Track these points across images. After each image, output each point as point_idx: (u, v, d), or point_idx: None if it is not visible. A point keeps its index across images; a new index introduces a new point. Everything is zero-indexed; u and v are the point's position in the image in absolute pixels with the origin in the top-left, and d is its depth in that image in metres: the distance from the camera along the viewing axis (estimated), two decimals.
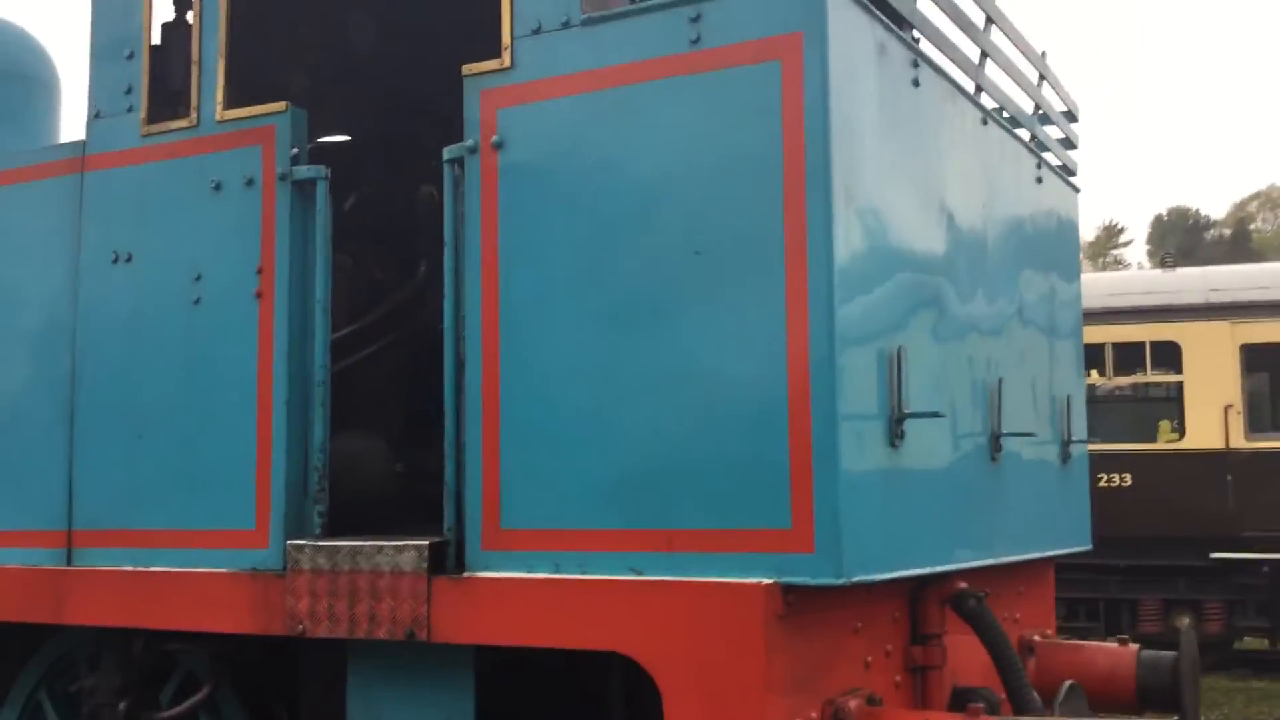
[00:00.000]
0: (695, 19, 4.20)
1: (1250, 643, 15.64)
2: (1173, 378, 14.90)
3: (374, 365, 5.83)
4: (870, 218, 4.25)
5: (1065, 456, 6.26)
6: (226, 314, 5.03)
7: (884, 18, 4.46)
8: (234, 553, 4.92)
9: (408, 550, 4.49)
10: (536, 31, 4.50)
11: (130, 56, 5.39)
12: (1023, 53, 5.91)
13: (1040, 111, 6.29)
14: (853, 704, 4.15)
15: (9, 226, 5.67)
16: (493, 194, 4.52)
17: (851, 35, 4.17)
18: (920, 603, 4.79)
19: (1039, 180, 6.13)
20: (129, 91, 5.38)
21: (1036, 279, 6.06)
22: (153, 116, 5.33)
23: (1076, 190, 6.85)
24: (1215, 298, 14.77)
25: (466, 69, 4.62)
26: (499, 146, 4.52)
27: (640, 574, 4.13)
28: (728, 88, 4.14)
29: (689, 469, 4.09)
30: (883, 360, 4.24)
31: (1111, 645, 5.96)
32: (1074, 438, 6.34)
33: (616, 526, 4.20)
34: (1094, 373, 14.90)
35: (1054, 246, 6.37)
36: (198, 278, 5.11)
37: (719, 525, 4.04)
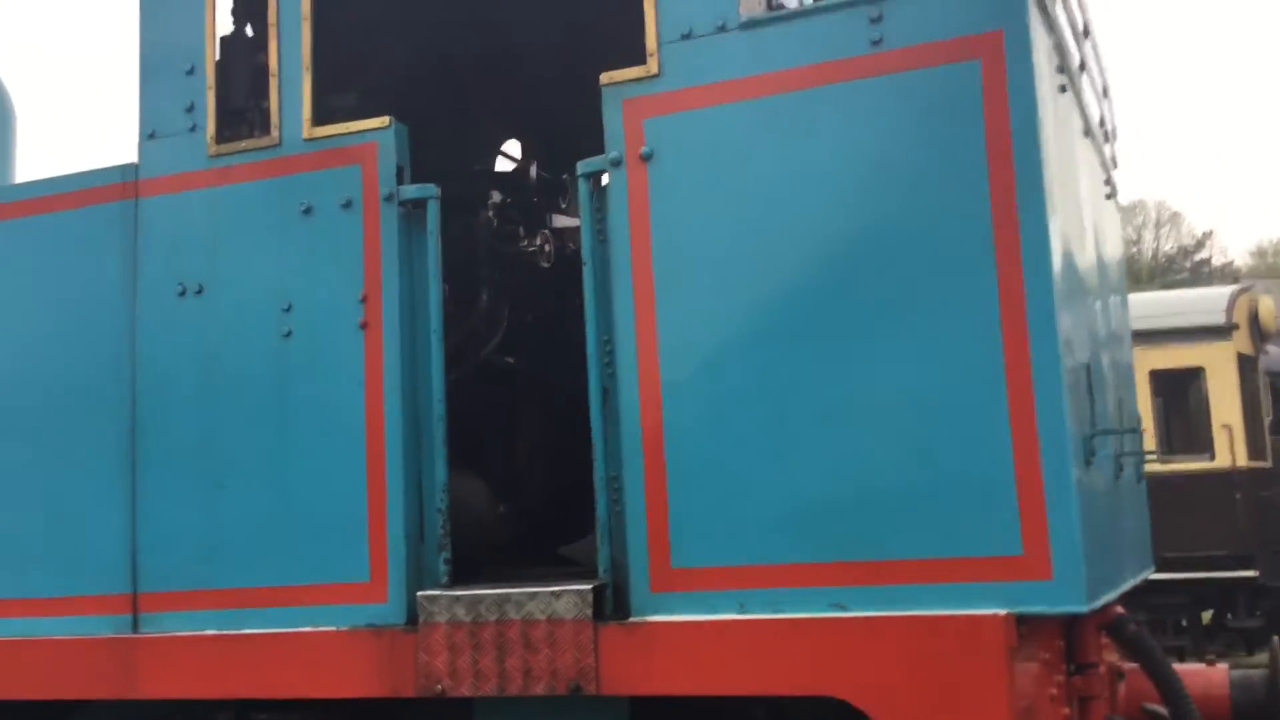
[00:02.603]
0: (876, 19, 3.86)
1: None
2: None
3: (460, 399, 5.30)
4: (1061, 225, 3.95)
5: (1139, 476, 6.07)
6: (325, 347, 4.48)
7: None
8: (344, 608, 4.35)
9: (566, 596, 4.00)
10: (687, 36, 4.11)
11: (191, 71, 4.81)
12: (1100, 66, 5.74)
13: (1104, 127, 6.13)
14: None
15: (46, 260, 5.00)
16: (643, 208, 4.10)
17: (1037, 34, 3.89)
18: (1079, 630, 4.49)
19: (1108, 196, 5.95)
20: (191, 109, 4.80)
21: (1112, 297, 5.87)
22: (222, 136, 4.76)
23: (1119, 210, 6.72)
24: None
25: (606, 77, 4.20)
26: (648, 158, 4.10)
27: (845, 610, 3.73)
28: (917, 90, 3.82)
29: (896, 495, 3.72)
30: (1078, 374, 3.95)
31: (1200, 666, 5.75)
32: (1145, 456, 6.16)
33: (813, 560, 3.79)
34: None
35: (1115, 265, 6.21)
36: (287, 309, 4.54)
37: (936, 554, 3.67)
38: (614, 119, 4.17)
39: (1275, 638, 5.73)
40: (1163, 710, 4.80)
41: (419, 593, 4.20)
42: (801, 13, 3.99)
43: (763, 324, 3.92)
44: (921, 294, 3.75)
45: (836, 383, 3.81)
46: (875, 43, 3.86)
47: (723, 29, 4.06)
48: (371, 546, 4.33)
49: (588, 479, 5.95)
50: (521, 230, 5.76)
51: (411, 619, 4.26)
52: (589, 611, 3.97)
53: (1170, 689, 4.50)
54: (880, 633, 3.65)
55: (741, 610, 3.84)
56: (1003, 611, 3.55)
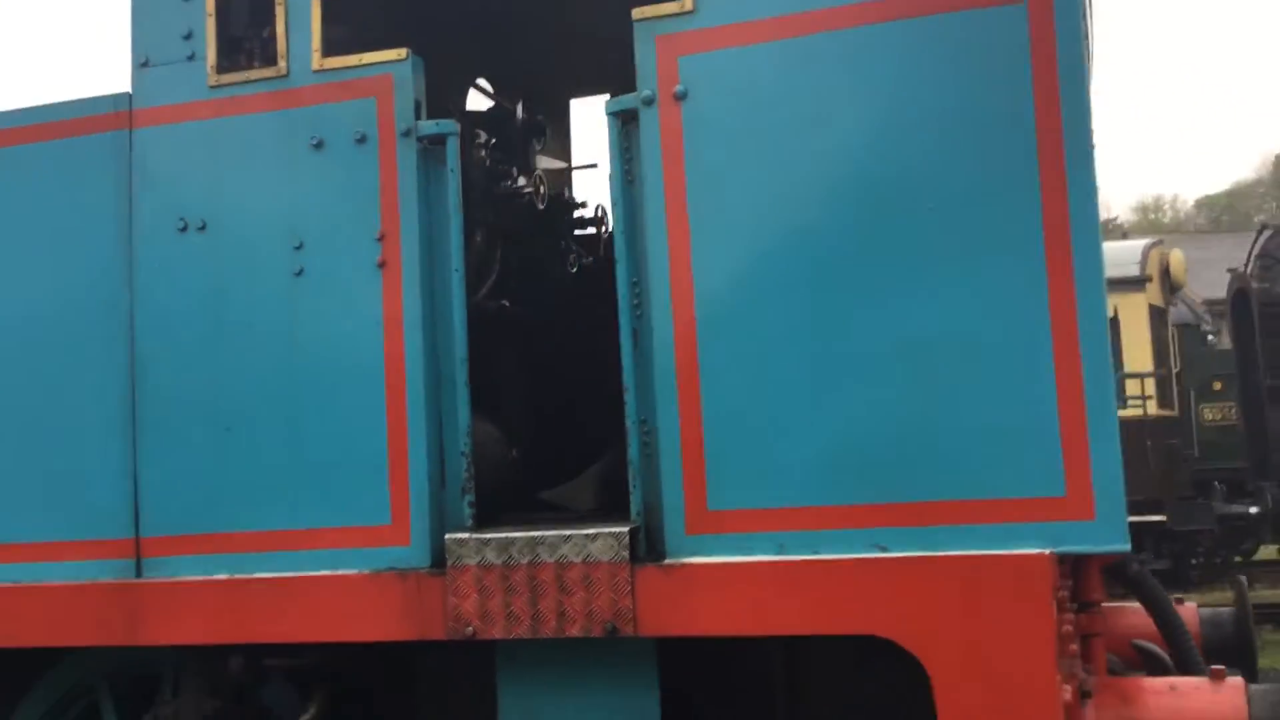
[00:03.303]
0: None
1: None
2: None
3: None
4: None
5: None
6: (340, 286, 4.32)
7: None
8: (363, 552, 4.24)
9: (602, 538, 3.94)
10: None
11: None
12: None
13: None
14: (1093, 680, 3.88)
15: (31, 193, 4.74)
16: (677, 149, 4.01)
17: None
18: (1084, 569, 4.55)
19: None
20: (189, 37, 4.56)
21: None
22: (223, 65, 4.55)
23: None
24: None
25: (637, 13, 4.08)
26: (682, 97, 4.01)
27: (886, 551, 3.73)
28: (963, 32, 3.78)
29: (939, 437, 3.71)
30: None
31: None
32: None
33: (854, 502, 3.78)
34: None
35: None
36: (299, 246, 4.37)
37: (979, 495, 3.68)
38: (647, 56, 4.06)
39: (1241, 578, 5.90)
40: (1150, 645, 4.91)
41: (448, 535, 4.09)
42: None
43: (802, 265, 3.87)
44: (965, 236, 3.73)
45: (877, 323, 3.79)
46: None
47: None
48: (393, 489, 4.22)
49: (578, 424, 5.93)
50: (515, 170, 5.63)
51: (436, 562, 4.16)
52: (625, 554, 3.91)
53: (1172, 628, 4.60)
54: (924, 572, 3.66)
55: (781, 552, 3.82)
56: (1047, 551, 3.58)
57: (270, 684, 4.64)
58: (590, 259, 6.24)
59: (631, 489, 4.04)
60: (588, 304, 6.19)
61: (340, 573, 4.23)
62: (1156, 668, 4.72)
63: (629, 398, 4.05)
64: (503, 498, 4.74)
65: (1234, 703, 3.78)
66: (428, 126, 4.30)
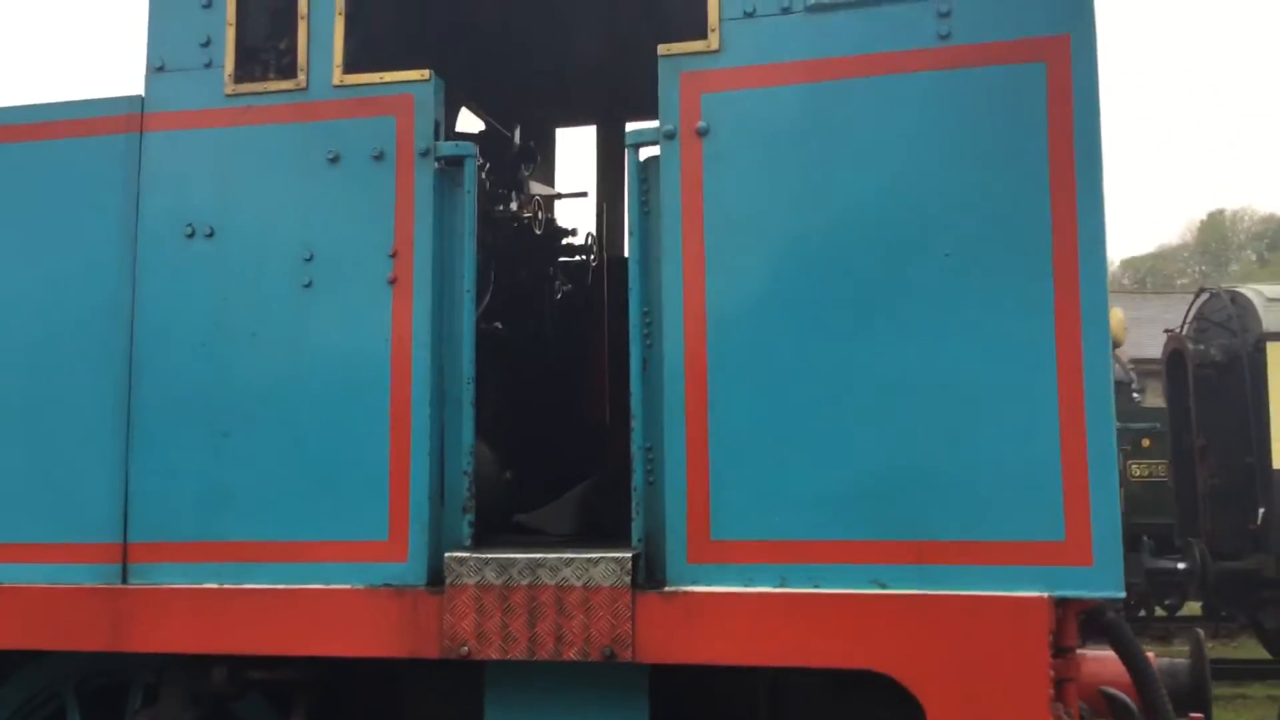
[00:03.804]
0: (945, 14, 3.89)
1: None
2: None
3: None
4: None
5: None
6: (350, 300, 4.30)
7: None
8: (358, 567, 4.20)
9: (604, 563, 3.94)
10: (750, 15, 4.07)
11: (209, 5, 4.55)
12: None
13: None
14: None
15: (37, 191, 4.66)
16: (696, 183, 4.06)
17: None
18: (1063, 616, 4.62)
19: None
20: (207, 44, 4.54)
21: None
22: (240, 75, 4.52)
23: None
24: None
25: (664, 49, 4.13)
26: (704, 133, 4.05)
27: (884, 587, 3.77)
28: (981, 87, 3.86)
29: (942, 477, 3.77)
30: None
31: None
32: None
33: (855, 537, 3.82)
34: None
35: None
36: (309, 258, 4.35)
37: (978, 537, 3.74)
38: (670, 91, 4.10)
39: (1198, 630, 6.01)
40: (1119, 694, 4.98)
41: (448, 553, 4.07)
42: (869, 1, 3.99)
43: (815, 303, 3.92)
44: (977, 283, 3.80)
45: (887, 364, 3.84)
46: (943, 37, 3.89)
47: (788, 10, 4.03)
48: (392, 505, 4.19)
49: (559, 449, 5.93)
50: (513, 195, 5.64)
51: (432, 580, 4.13)
52: (627, 579, 3.91)
53: (1144, 677, 4.67)
54: (923, 610, 3.70)
55: (782, 584, 3.84)
56: (1045, 594, 3.64)
57: (248, 698, 4.56)
58: (571, 287, 6.27)
59: (634, 516, 4.05)
60: (572, 331, 6.22)
61: (335, 586, 4.18)
62: (1125, 716, 4.79)
63: (636, 424, 4.07)
64: (494, 520, 4.73)
65: None
66: (446, 147, 4.30)
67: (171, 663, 4.44)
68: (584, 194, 6.66)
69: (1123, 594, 3.63)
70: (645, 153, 4.19)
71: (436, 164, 4.29)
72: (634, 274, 4.13)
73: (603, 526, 5.76)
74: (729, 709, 4.40)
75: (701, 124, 4.05)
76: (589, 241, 6.32)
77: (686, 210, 4.05)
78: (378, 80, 4.36)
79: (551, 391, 6.05)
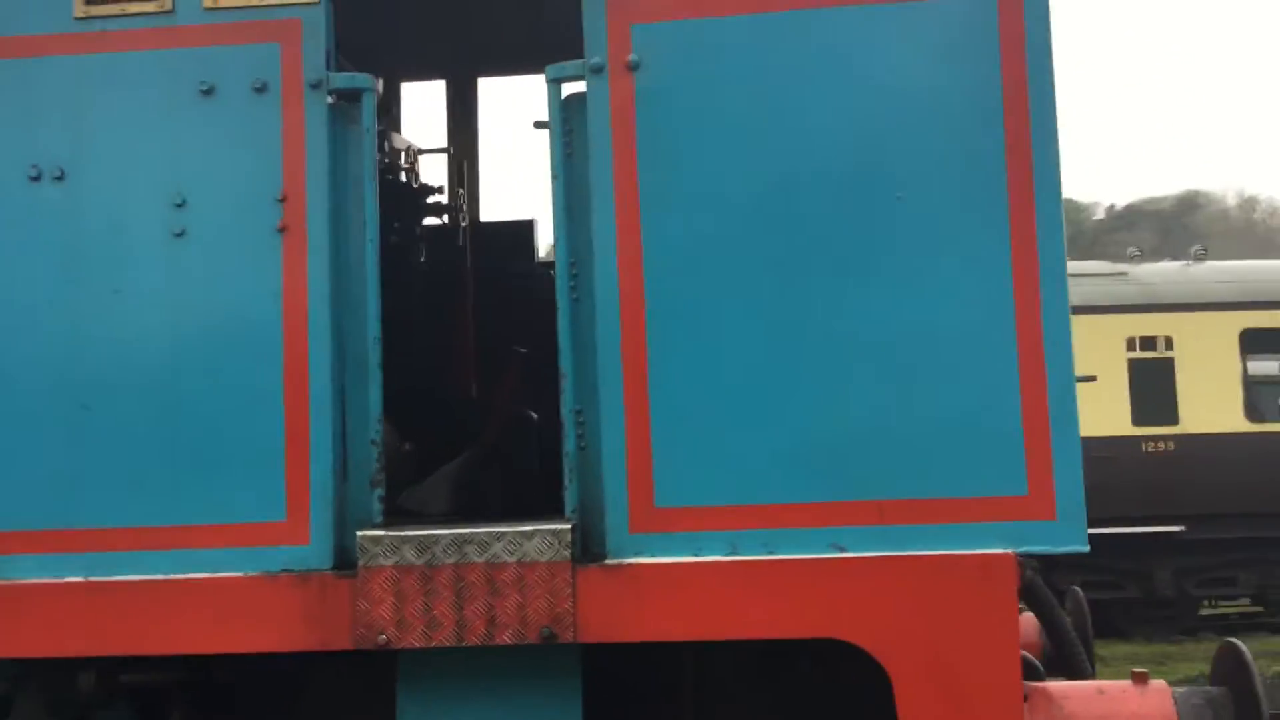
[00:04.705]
0: None
1: None
2: None
3: None
4: None
5: None
6: (231, 251, 3.75)
7: None
8: (252, 551, 3.67)
9: (539, 535, 3.53)
10: None
11: None
12: None
13: None
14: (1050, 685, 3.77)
15: None
16: (628, 122, 3.67)
17: None
18: None
19: None
20: None
21: None
22: None
23: None
24: None
25: None
26: (635, 68, 3.67)
27: (844, 550, 3.50)
28: (931, 17, 3.61)
29: (899, 434, 3.52)
30: None
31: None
32: None
33: (811, 499, 3.53)
34: None
35: None
36: (180, 204, 3.77)
37: (939, 494, 3.50)
38: (596, 21, 3.70)
39: (1076, 587, 5.99)
40: (1026, 654, 4.87)
41: (360, 533, 3.59)
42: None
43: (761, 250, 3.60)
44: (931, 228, 3.56)
45: (838, 314, 3.56)
46: None
47: None
48: (290, 481, 3.67)
49: (431, 423, 5.45)
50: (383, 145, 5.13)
51: (340, 563, 3.65)
52: (566, 553, 3.52)
53: (1061, 633, 4.58)
54: (885, 573, 3.45)
55: (734, 552, 3.52)
56: (1010, 550, 3.44)
57: (115, 704, 3.96)
58: (438, 250, 5.79)
59: (567, 484, 3.65)
60: (441, 295, 5.74)
61: (225, 575, 3.64)
62: (1033, 674, 4.68)
63: (566, 385, 3.67)
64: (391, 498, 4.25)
65: (1163, 706, 3.74)
66: (341, 79, 3.79)
67: (28, 669, 3.80)
68: (447, 150, 6.16)
69: (1086, 548, 3.46)
70: (568, 89, 3.79)
71: (330, 98, 3.78)
72: (558, 221, 3.73)
73: (483, 502, 5.34)
74: (654, 682, 4.07)
75: (632, 57, 3.67)
76: (458, 201, 5.85)
77: (618, 151, 3.67)
78: (259, 3, 3.81)
79: (417, 361, 5.57)
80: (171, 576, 3.66)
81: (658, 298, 3.62)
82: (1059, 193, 3.54)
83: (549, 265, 6.27)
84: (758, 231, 3.60)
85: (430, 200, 5.82)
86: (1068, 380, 3.49)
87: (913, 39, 3.61)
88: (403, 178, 5.23)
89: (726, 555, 3.52)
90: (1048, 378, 3.48)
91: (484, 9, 5.84)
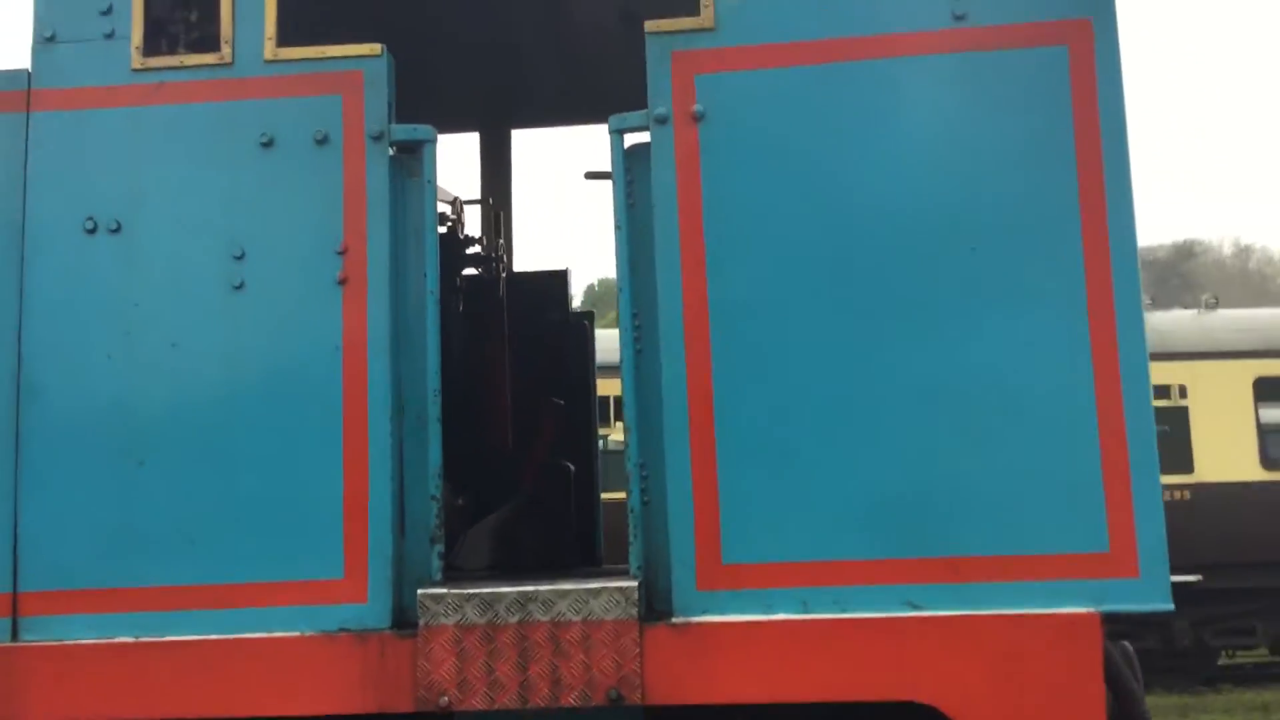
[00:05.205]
0: None
1: None
2: None
3: None
4: None
5: None
6: (291, 304, 3.65)
7: None
8: (308, 610, 3.54)
9: (606, 593, 3.41)
10: None
11: None
12: None
13: None
14: None
15: None
16: (693, 172, 3.59)
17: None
18: None
19: None
20: (109, 12, 3.81)
21: None
22: (149, 47, 3.82)
23: None
24: None
25: (652, 25, 3.66)
26: (701, 118, 3.60)
27: (919, 609, 3.37)
28: (1000, 70, 3.54)
29: (975, 487, 3.40)
30: None
31: None
32: None
33: (884, 556, 3.41)
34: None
35: None
36: (239, 256, 3.68)
37: (1017, 550, 3.38)
38: (661, 72, 3.63)
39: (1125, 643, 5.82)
40: None
41: (421, 590, 3.46)
42: None
43: (830, 300, 3.50)
44: (1004, 276, 3.46)
45: (911, 365, 3.46)
46: (958, 17, 3.55)
47: None
48: (348, 537, 3.55)
49: (469, 474, 5.34)
50: None
51: (398, 622, 3.52)
52: (633, 611, 3.39)
53: (1124, 690, 4.42)
54: (964, 632, 3.32)
55: (805, 610, 3.40)
56: (1093, 609, 3.31)
57: None
58: (476, 300, 5.70)
59: (631, 540, 3.53)
60: (480, 346, 5.65)
61: (281, 635, 3.51)
62: None
63: (630, 439, 3.56)
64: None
65: None
66: (402, 131, 3.72)
67: None
68: (488, 200, 6.10)
69: (1171, 606, 3.33)
70: (630, 140, 3.72)
71: (391, 149, 3.70)
72: (622, 272, 3.64)
73: (522, 557, 5.21)
74: None
75: (697, 108, 3.60)
76: (498, 252, 5.77)
77: (683, 201, 3.58)
78: (319, 55, 3.74)
79: (458, 413, 5.48)
80: (225, 636, 3.53)
81: (724, 349, 3.52)
82: (1134, 241, 3.45)
83: (582, 316, 6.22)
84: (826, 282, 3.51)
85: (470, 251, 5.74)
86: (1148, 430, 3.38)
87: (983, 89, 3.53)
88: (450, 228, 5.14)
89: (798, 613, 3.40)
90: (1127, 427, 3.37)
91: (520, 63, 5.80)
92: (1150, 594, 3.33)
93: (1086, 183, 3.46)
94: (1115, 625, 3.36)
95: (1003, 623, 3.31)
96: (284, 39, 3.79)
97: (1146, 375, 3.40)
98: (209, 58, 3.78)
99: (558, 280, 6.10)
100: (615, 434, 12.72)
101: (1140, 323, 3.41)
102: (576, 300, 6.36)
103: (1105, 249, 3.44)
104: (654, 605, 3.51)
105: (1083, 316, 3.42)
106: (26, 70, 3.83)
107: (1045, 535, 3.37)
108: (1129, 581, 3.34)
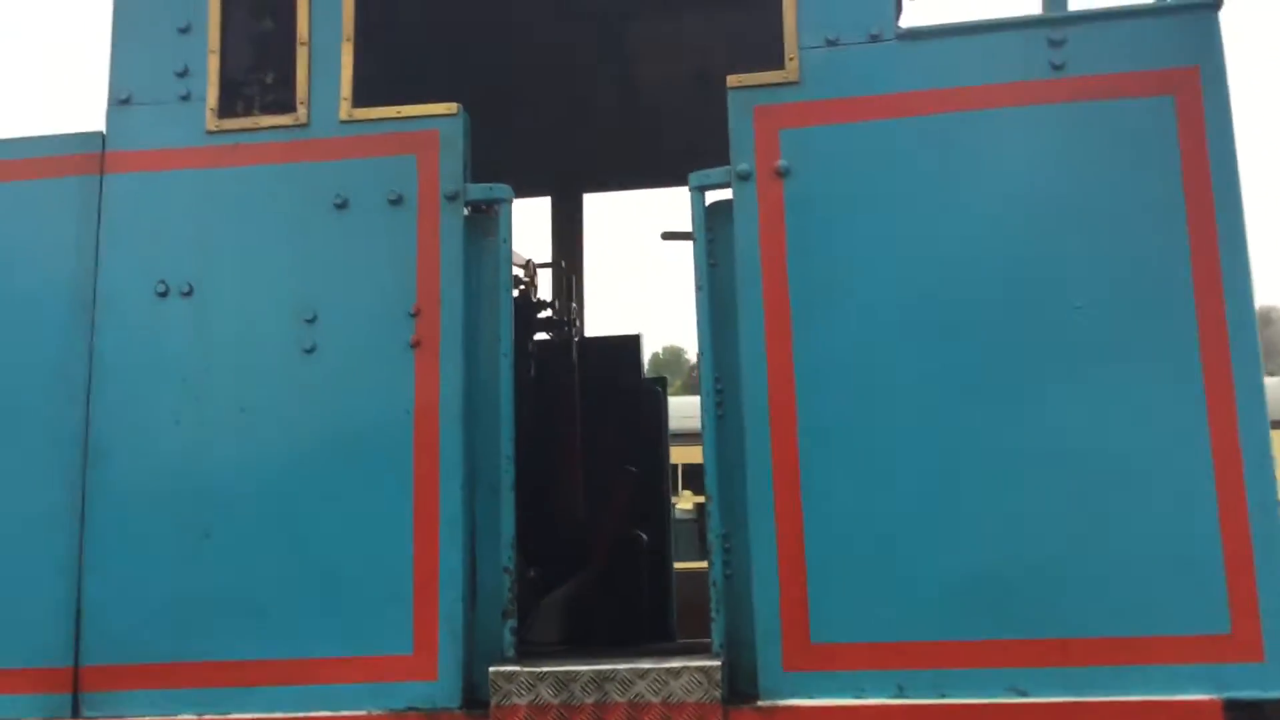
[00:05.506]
0: (1059, 43, 3.38)
1: None
2: None
3: None
4: None
5: None
6: (363, 367, 3.53)
7: None
8: (376, 687, 3.37)
9: (687, 673, 3.20)
10: (833, 43, 3.50)
11: (187, 29, 3.78)
12: None
13: None
14: None
15: None
16: (777, 229, 3.43)
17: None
18: None
19: None
20: (184, 74, 3.76)
21: None
22: (224, 109, 3.76)
23: None
24: None
25: (734, 80, 3.52)
26: (785, 173, 3.44)
27: (1025, 695, 3.12)
28: (1102, 122, 3.35)
29: (1084, 563, 3.16)
30: None
31: None
32: None
33: (986, 636, 3.17)
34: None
35: None
36: (311, 319, 3.57)
37: (1130, 632, 3.12)
38: (743, 127, 3.49)
39: None
40: None
41: (493, 669, 3.28)
42: (974, 28, 3.46)
43: (924, 363, 3.30)
44: (1109, 336, 3.24)
45: (1013, 435, 3.23)
46: (1057, 67, 3.38)
47: (877, 39, 3.48)
48: (417, 612, 3.39)
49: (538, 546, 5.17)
50: None
51: (468, 701, 3.34)
52: (716, 693, 3.18)
53: None
54: None
55: (900, 694, 3.16)
56: (1216, 697, 3.04)
57: None
58: (546, 365, 5.57)
59: (714, 616, 3.33)
60: (552, 411, 5.51)
61: (348, 713, 3.34)
62: None
63: (712, 509, 3.37)
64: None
65: None
66: (478, 190, 3.60)
67: None
68: (558, 264, 5.99)
69: None
70: (711, 197, 3.57)
71: (465, 209, 3.59)
72: (703, 334, 3.47)
73: (595, 631, 5.01)
74: None
75: (781, 163, 3.44)
76: (570, 317, 5.65)
77: (766, 260, 3.42)
78: (395, 115, 3.65)
79: (529, 481, 5.33)
80: (289, 715, 3.37)
81: (811, 414, 3.33)
82: (1251, 299, 3.22)
83: (655, 382, 6.06)
84: (919, 343, 3.31)
85: (543, 315, 5.63)
86: (1270, 502, 3.12)
87: (1084, 142, 3.34)
88: (523, 291, 5.03)
89: (893, 698, 3.16)
90: (1248, 499, 3.12)
91: (594, 130, 5.72)
92: (1276, 680, 3.05)
93: (1198, 239, 3.24)
94: (1238, 714, 3.07)
95: (1118, 710, 3.04)
96: (359, 100, 3.72)
97: (1268, 444, 3.15)
98: (284, 119, 3.71)
99: (630, 345, 5.96)
100: (683, 503, 12.40)
101: (1260, 388, 3.17)
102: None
103: (1220, 306, 3.20)
104: (737, 685, 3.30)
105: (1198, 380, 3.18)
106: (101, 133, 3.79)
107: (1161, 615, 3.11)
108: (1254, 666, 3.06)
